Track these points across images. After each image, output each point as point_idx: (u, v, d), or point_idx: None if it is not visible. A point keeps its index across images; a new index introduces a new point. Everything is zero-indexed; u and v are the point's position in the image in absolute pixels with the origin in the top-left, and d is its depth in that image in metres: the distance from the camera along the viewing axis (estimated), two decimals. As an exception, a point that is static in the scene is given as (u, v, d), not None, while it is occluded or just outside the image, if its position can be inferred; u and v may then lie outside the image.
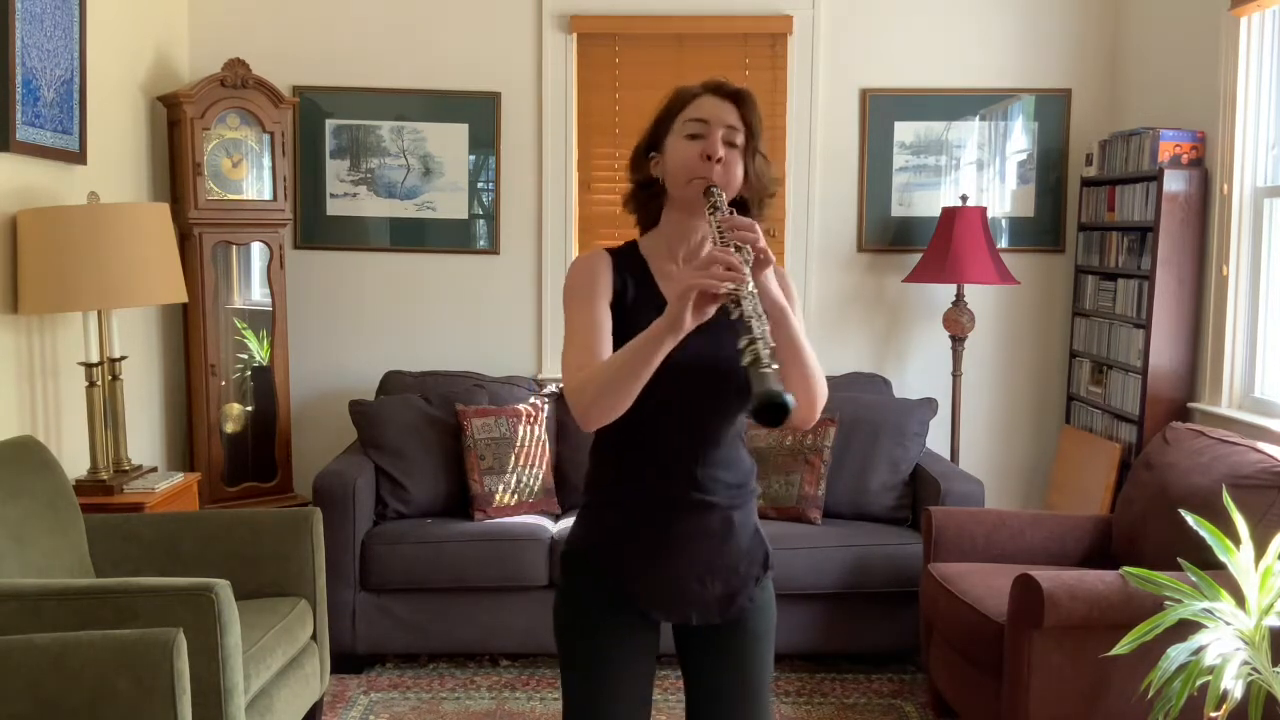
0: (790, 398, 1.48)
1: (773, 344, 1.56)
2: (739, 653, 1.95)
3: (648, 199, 1.95)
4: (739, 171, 1.86)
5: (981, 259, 4.35)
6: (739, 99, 1.88)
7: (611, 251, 1.94)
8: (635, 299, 1.87)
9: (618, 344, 1.81)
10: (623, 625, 1.91)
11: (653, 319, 1.68)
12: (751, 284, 1.63)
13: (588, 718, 1.92)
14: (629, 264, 1.92)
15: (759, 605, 1.96)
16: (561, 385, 1.87)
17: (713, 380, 1.80)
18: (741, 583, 1.93)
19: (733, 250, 1.66)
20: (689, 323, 1.63)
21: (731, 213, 1.78)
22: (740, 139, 1.86)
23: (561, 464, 4.22)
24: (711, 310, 1.63)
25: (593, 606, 1.92)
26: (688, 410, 1.84)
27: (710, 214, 1.78)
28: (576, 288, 1.88)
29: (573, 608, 1.95)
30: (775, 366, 1.52)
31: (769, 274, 1.75)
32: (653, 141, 1.93)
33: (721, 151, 1.83)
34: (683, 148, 1.86)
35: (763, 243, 1.71)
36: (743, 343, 1.54)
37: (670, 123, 1.90)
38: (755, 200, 1.91)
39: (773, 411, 1.48)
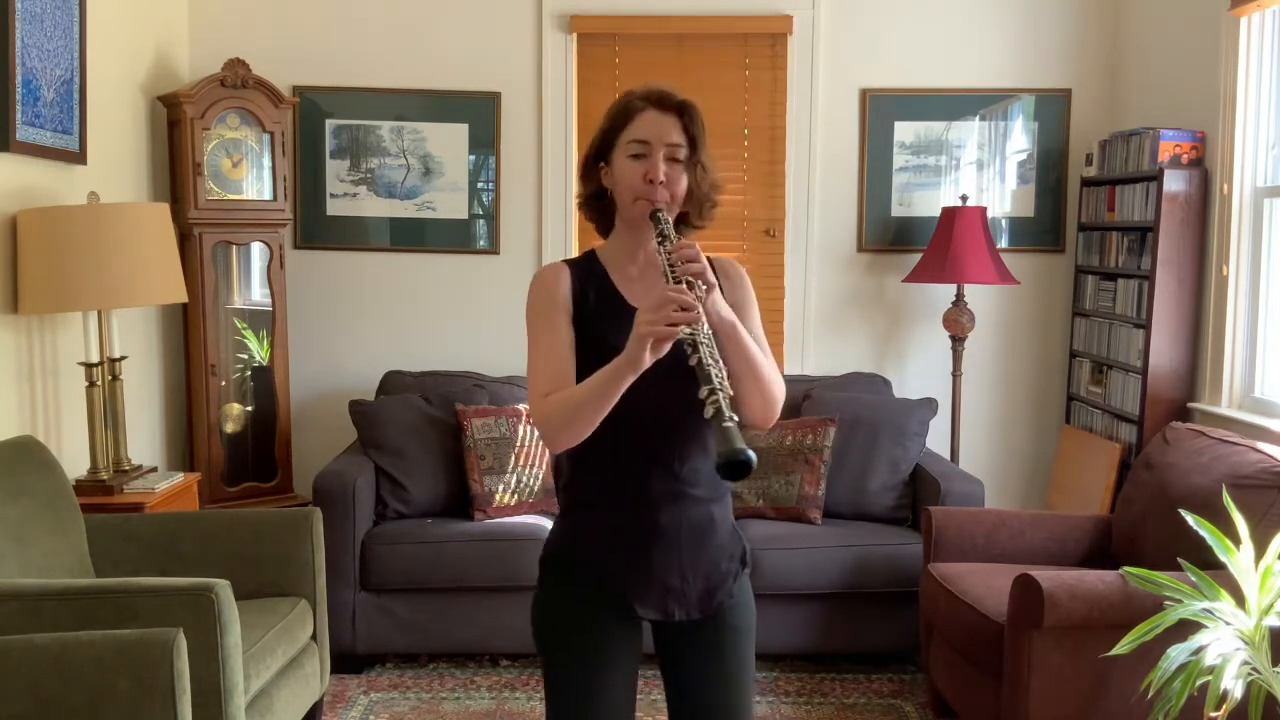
0: (752, 455, 1.54)
1: (731, 392, 1.63)
2: (719, 647, 1.96)
3: (600, 209, 1.99)
4: (682, 187, 1.90)
5: (981, 259, 4.35)
6: (681, 111, 1.90)
7: (570, 263, 1.98)
8: (597, 307, 1.91)
9: (582, 351, 1.87)
10: (605, 625, 1.92)
11: (617, 324, 1.74)
12: (705, 323, 1.70)
13: (574, 717, 1.92)
14: (588, 274, 1.95)
15: (738, 601, 1.98)
16: (529, 407, 1.90)
17: (678, 378, 1.80)
18: (721, 579, 1.95)
19: (685, 286, 1.71)
20: (647, 361, 1.70)
21: (679, 238, 1.83)
22: (683, 153, 1.90)
23: (561, 464, 4.21)
24: (667, 347, 1.69)
25: (576, 608, 1.93)
26: (665, 409, 1.85)
27: (660, 243, 1.82)
28: (537, 307, 1.92)
29: (554, 611, 1.96)
30: (735, 420, 1.58)
31: (715, 293, 1.80)
32: (600, 152, 1.96)
33: (664, 173, 1.87)
34: (626, 168, 1.90)
35: (708, 272, 1.76)
36: (703, 393, 1.60)
37: (615, 137, 1.92)
38: (697, 210, 1.96)
39: (737, 469, 1.55)
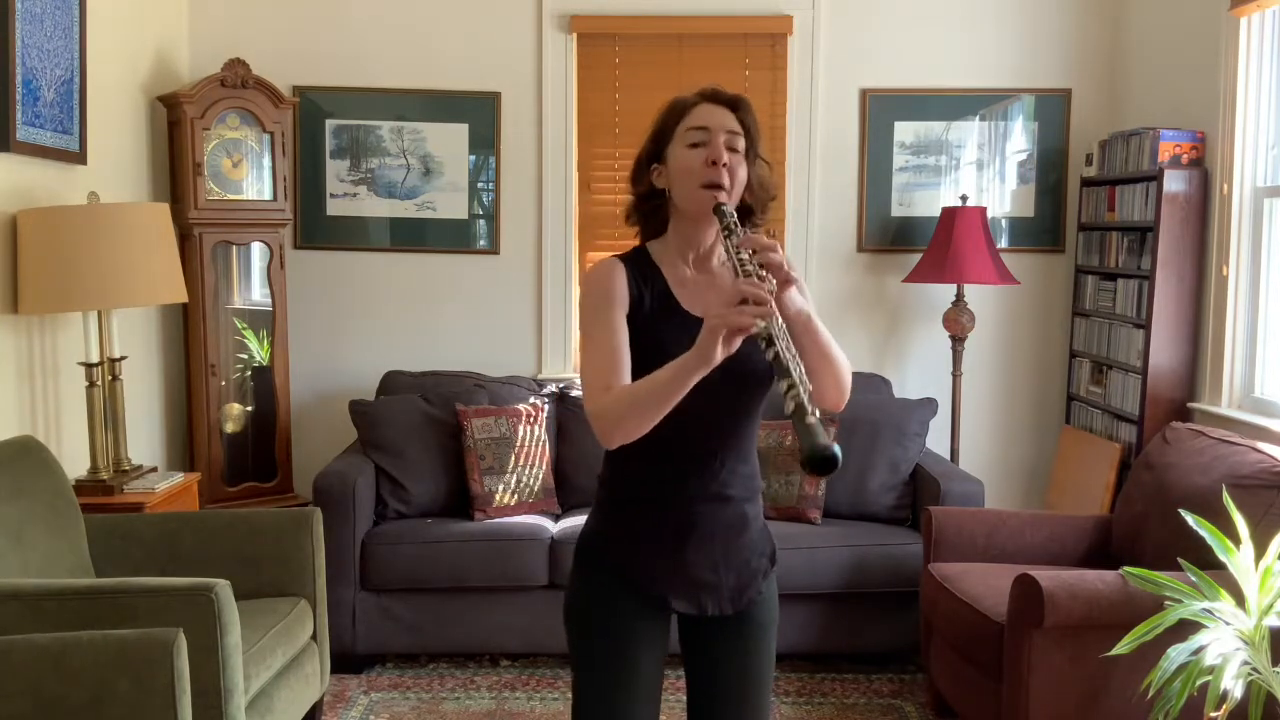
0: (838, 450, 1.50)
1: (810, 387, 1.57)
2: (746, 642, 1.98)
3: (651, 210, 1.97)
4: (742, 175, 1.89)
5: (981, 259, 4.35)
6: (736, 105, 1.91)
7: (624, 259, 1.95)
8: (653, 309, 1.89)
9: (636, 355, 1.83)
10: (636, 617, 1.93)
11: (672, 330, 1.72)
12: (779, 317, 1.64)
13: (603, 712, 1.93)
14: (643, 272, 1.92)
15: (765, 597, 2.00)
16: (584, 403, 1.86)
17: (740, 384, 1.83)
18: (752, 575, 1.97)
19: (757, 280, 1.66)
20: (719, 357, 1.65)
21: (746, 232, 1.79)
22: (741, 144, 1.89)
23: (561, 464, 4.22)
24: (739, 343, 1.64)
25: (608, 601, 1.94)
26: (715, 413, 1.86)
27: (725, 237, 1.79)
28: (593, 301, 1.89)
29: (586, 601, 1.97)
30: (819, 414, 1.53)
31: (792, 287, 1.76)
32: (654, 153, 1.94)
33: (726, 156, 1.85)
34: (686, 156, 1.87)
35: (786, 264, 1.73)
36: (783, 387, 1.56)
37: (670, 133, 1.91)
38: (758, 205, 1.94)
39: (824, 464, 1.50)
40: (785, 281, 1.73)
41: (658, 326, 1.85)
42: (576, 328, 4.46)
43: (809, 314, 1.81)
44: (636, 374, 1.81)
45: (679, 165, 1.88)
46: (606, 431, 1.78)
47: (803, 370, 1.59)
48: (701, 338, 1.65)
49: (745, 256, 1.72)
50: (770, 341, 1.60)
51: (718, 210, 1.83)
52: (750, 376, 1.84)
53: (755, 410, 1.93)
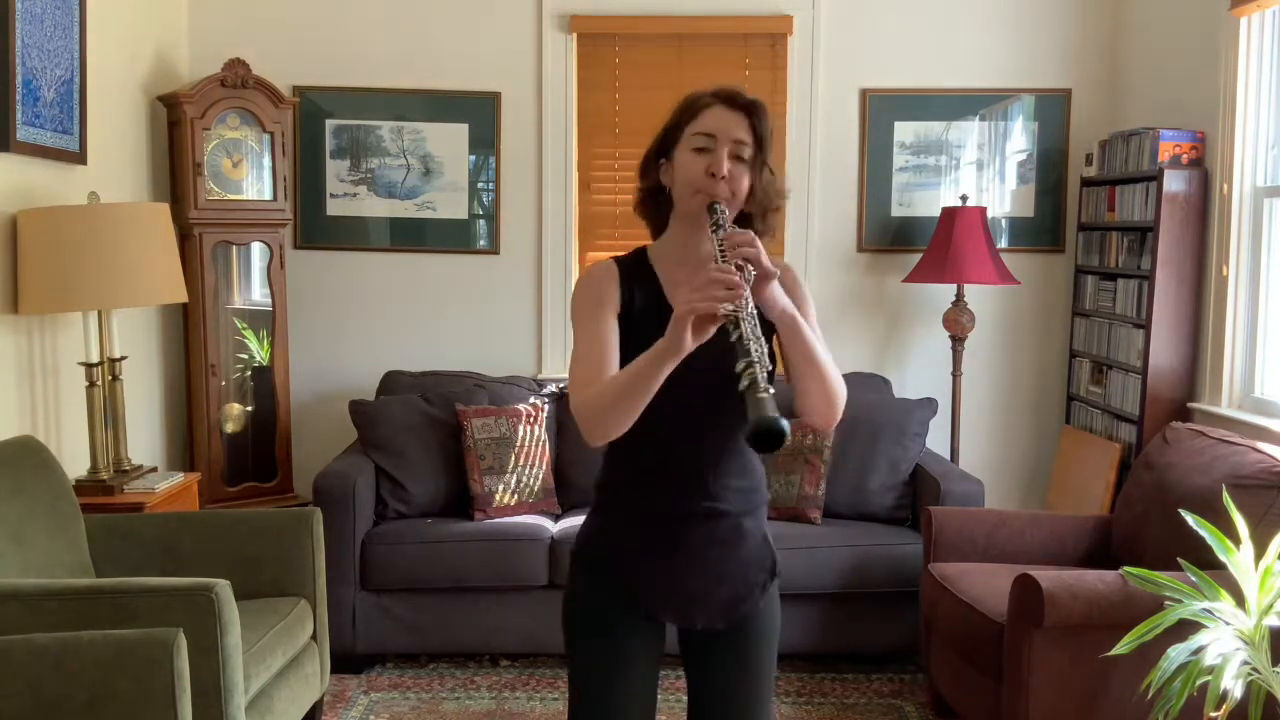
0: (786, 424, 1.47)
1: (769, 366, 1.55)
2: (743, 655, 1.96)
3: (656, 206, 1.95)
4: (745, 186, 1.86)
5: (981, 259, 4.35)
6: (750, 110, 1.86)
7: (619, 262, 1.94)
8: (643, 310, 1.87)
9: (625, 358, 1.81)
10: (629, 623, 1.92)
11: (660, 333, 1.68)
12: (752, 304, 1.63)
13: (595, 713, 1.93)
14: (637, 274, 1.91)
15: (764, 610, 1.97)
16: (569, 400, 1.85)
17: (726, 390, 1.80)
18: (748, 589, 1.94)
19: (734, 268, 1.65)
20: (689, 344, 1.63)
21: (733, 228, 1.77)
22: (748, 152, 1.85)
23: (561, 464, 4.22)
24: (712, 331, 1.62)
25: (602, 604, 1.94)
26: (702, 420, 1.84)
27: (713, 231, 1.77)
28: (582, 303, 1.88)
29: (582, 605, 1.97)
30: (771, 391, 1.51)
31: (775, 285, 1.74)
32: (662, 148, 1.92)
33: (727, 168, 1.83)
34: (689, 161, 1.85)
35: (764, 258, 1.70)
36: (740, 365, 1.53)
37: (679, 131, 1.88)
38: (759, 213, 1.90)
39: (768, 438, 1.47)
40: (764, 276, 1.71)
41: (647, 329, 1.82)
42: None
43: (794, 314, 1.77)
44: None
45: (682, 168, 1.86)
46: (588, 427, 1.76)
47: (764, 353, 1.56)
48: (671, 324, 1.64)
49: (726, 250, 1.70)
50: (736, 324, 1.57)
51: (711, 208, 1.81)
52: (727, 380, 1.78)
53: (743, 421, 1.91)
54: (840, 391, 1.83)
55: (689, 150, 1.86)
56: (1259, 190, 3.76)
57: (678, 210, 1.91)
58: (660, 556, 1.89)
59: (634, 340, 1.82)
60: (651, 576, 1.90)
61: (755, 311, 1.64)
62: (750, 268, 1.68)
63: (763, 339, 1.60)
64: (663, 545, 1.89)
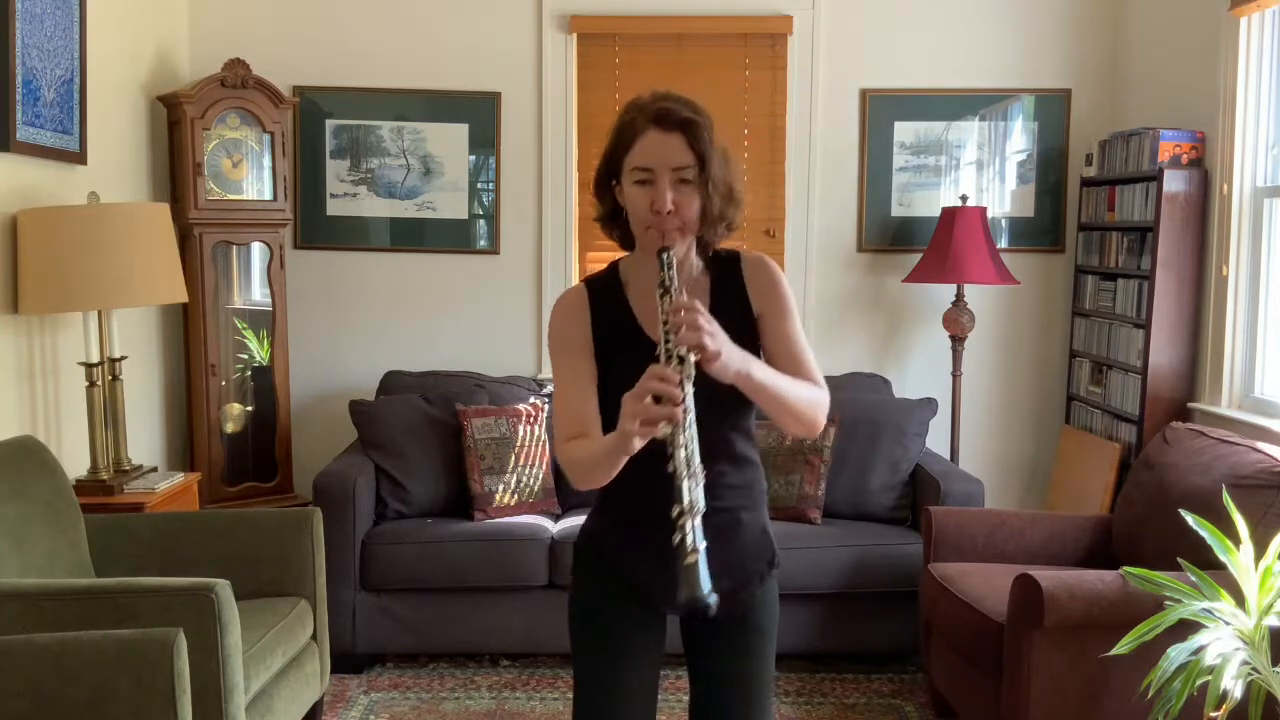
0: (713, 600, 1.59)
1: (702, 507, 1.62)
2: (743, 645, 1.98)
3: (619, 226, 1.93)
4: (694, 210, 1.82)
5: (981, 259, 4.35)
6: (685, 128, 1.80)
7: (590, 285, 1.95)
8: (613, 336, 1.90)
9: (603, 379, 1.87)
10: (630, 617, 1.95)
11: (633, 358, 1.72)
12: (691, 415, 1.64)
13: (599, 705, 1.95)
14: (607, 296, 1.93)
15: (762, 601, 1.99)
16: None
17: (719, 392, 1.79)
18: (746, 579, 1.96)
19: (678, 362, 1.64)
20: (637, 446, 1.67)
21: (680, 293, 1.74)
22: (692, 174, 1.81)
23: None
24: (663, 427, 1.64)
25: (604, 597, 1.96)
26: (698, 420, 1.84)
27: (660, 296, 1.74)
28: (555, 344, 1.92)
29: (585, 597, 1.99)
30: (703, 546, 1.60)
31: (724, 355, 1.68)
32: (610, 171, 1.89)
33: (670, 200, 1.79)
34: (635, 194, 1.83)
35: (707, 342, 1.65)
36: (674, 511, 1.61)
37: (619, 162, 1.85)
38: (712, 230, 1.88)
39: (696, 613, 1.60)
40: (709, 358, 1.67)
41: (618, 353, 1.86)
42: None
43: (748, 372, 1.74)
44: (603, 401, 1.85)
45: (630, 201, 1.84)
46: (572, 480, 1.86)
47: (699, 486, 1.62)
48: (617, 432, 1.69)
49: (670, 329, 1.67)
50: (672, 452, 1.63)
51: (660, 256, 1.79)
52: (722, 398, 1.78)
53: (739, 424, 1.92)
54: (815, 414, 1.86)
55: (631, 183, 1.83)
56: (1259, 190, 3.76)
57: (636, 238, 1.89)
58: (659, 550, 1.89)
59: (609, 365, 1.87)
60: (651, 569, 1.91)
61: (694, 419, 1.65)
62: (692, 353, 1.66)
63: (698, 472, 1.63)
64: (662, 540, 1.89)
